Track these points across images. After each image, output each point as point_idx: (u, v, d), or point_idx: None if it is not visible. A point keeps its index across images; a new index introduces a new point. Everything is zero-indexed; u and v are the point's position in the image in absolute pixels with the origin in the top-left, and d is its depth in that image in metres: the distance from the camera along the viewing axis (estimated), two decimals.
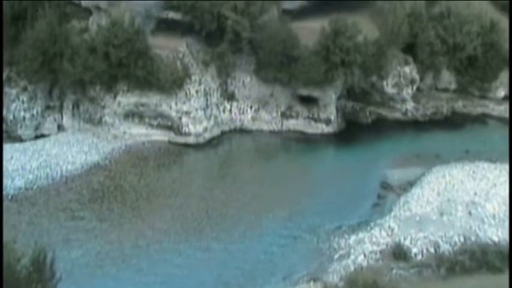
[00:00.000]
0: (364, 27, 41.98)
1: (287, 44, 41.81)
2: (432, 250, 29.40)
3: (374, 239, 30.27)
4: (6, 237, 18.96)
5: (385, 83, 43.52)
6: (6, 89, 39.27)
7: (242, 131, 42.30)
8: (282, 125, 43.04)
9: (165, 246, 30.31)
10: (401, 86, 43.64)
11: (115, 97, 40.34)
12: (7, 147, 36.92)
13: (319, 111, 42.90)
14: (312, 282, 27.35)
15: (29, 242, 19.26)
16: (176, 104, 40.75)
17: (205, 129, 41.23)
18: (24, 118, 39.53)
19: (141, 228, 31.29)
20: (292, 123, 43.06)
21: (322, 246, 30.28)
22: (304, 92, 42.73)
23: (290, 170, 37.90)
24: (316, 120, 42.91)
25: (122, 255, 29.12)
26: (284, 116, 43.17)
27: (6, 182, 33.69)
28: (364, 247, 29.63)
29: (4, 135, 38.44)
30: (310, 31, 41.93)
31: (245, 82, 43.32)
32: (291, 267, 28.87)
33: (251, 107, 43.22)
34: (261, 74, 42.87)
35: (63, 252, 19.52)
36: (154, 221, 31.98)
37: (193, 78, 41.56)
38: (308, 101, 42.97)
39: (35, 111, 39.86)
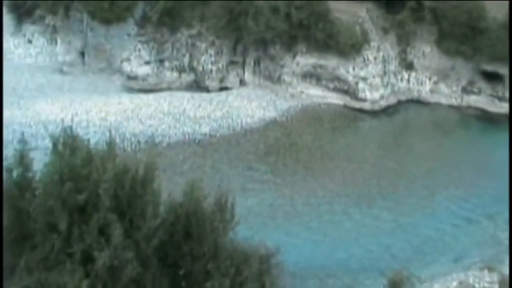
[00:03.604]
0: None
1: (472, 15, 39.64)
2: None
3: None
4: (194, 176, 19.85)
5: None
6: (197, 43, 41.52)
7: (419, 102, 41.18)
8: (461, 100, 41.21)
9: (335, 208, 30.42)
10: None
11: (294, 57, 40.91)
12: (196, 95, 39.28)
13: (505, 90, 40.34)
14: (486, 271, 25.71)
15: (211, 184, 19.83)
16: (353, 68, 40.51)
17: (382, 97, 40.62)
18: (211, 70, 41.54)
19: (313, 187, 31.66)
20: (473, 99, 41.03)
21: (500, 235, 28.52)
22: (488, 67, 40.47)
23: (468, 149, 36.08)
24: (501, 98, 40.47)
25: (293, 211, 29.71)
26: (465, 91, 41.27)
27: (195, 127, 35.96)
28: None
29: (194, 85, 41.09)
30: (499, 3, 39.30)
31: (425, 52, 41.91)
32: (463, 251, 27.73)
33: (430, 79, 41.78)
34: (442, 45, 41.28)
35: (240, 199, 19.94)
36: (326, 182, 32.15)
37: (372, 44, 40.98)
38: (492, 78, 40.65)
39: (220, 65, 41.69)
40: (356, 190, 31.78)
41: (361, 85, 40.22)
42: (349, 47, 40.14)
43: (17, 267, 13.64)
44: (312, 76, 40.93)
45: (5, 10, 43.10)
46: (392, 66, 41.66)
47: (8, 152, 15.24)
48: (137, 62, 41.47)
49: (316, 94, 40.71)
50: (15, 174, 14.45)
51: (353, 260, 26.90)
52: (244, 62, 42.12)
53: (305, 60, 40.72)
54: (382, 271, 24.75)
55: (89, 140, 16.26)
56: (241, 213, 17.90)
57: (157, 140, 34.82)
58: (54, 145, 15.36)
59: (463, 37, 40.43)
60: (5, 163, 14.45)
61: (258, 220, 27.96)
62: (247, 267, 16.18)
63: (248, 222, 25.18)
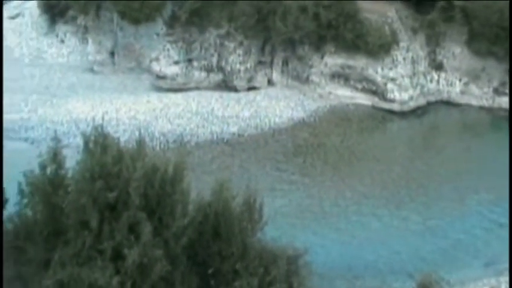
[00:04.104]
0: None
1: (504, 15, 39.06)
2: None
3: None
4: (222, 175, 19.91)
5: None
6: (225, 43, 41.56)
7: (449, 103, 40.61)
8: (493, 102, 40.62)
9: (363, 209, 30.24)
10: None
11: (322, 57, 40.76)
12: (224, 95, 39.31)
13: None
14: None
15: (239, 183, 19.88)
16: (382, 69, 40.20)
17: (411, 98, 40.23)
18: (239, 70, 41.48)
19: (341, 188, 31.53)
20: (504, 101, 40.40)
21: None
22: None
23: (500, 152, 35.38)
24: None
25: (322, 212, 29.63)
26: (496, 92, 40.67)
27: (223, 127, 36.07)
28: None
29: (222, 84, 41.10)
30: None
31: (455, 53, 41.40)
32: (494, 255, 27.28)
33: (460, 80, 41.27)
34: (473, 45, 40.67)
35: (268, 199, 20.02)
36: (354, 183, 31.98)
37: (401, 44, 40.63)
38: None
39: (248, 65, 41.64)
40: (384, 191, 31.52)
41: (389, 86, 39.90)
42: (378, 47, 39.81)
43: (51, 261, 13.87)
44: (340, 76, 40.72)
45: (38, 11, 43.83)
46: (422, 67, 41.26)
47: (42, 149, 15.52)
48: (166, 61, 41.72)
49: (344, 95, 40.48)
50: (48, 171, 14.70)
51: (381, 261, 26.70)
52: (272, 62, 42.04)
53: (333, 61, 40.53)
54: (410, 274, 24.51)
55: (119, 139, 16.44)
56: (269, 214, 17.96)
57: (185, 139, 35.11)
58: (86, 143, 15.61)
59: (494, 37, 39.80)
60: (39, 160, 14.73)
61: (286, 220, 27.93)
62: (276, 268, 16.25)
63: (276, 223, 25.27)
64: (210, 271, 15.77)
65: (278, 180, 31.54)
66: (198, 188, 17.30)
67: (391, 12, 41.13)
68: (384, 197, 31.10)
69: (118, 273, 13.85)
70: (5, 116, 36.08)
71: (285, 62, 41.73)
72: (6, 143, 18.39)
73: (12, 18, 44.91)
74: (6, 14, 45.24)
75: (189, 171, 16.71)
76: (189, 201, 16.34)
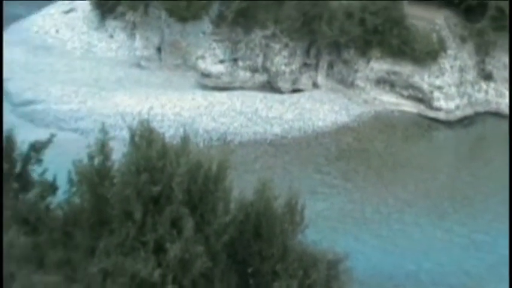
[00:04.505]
0: None
1: None
2: None
3: None
4: (264, 175, 19.82)
5: None
6: (271, 44, 41.54)
7: (498, 114, 39.62)
8: None
9: (406, 217, 29.77)
10: None
11: (368, 62, 40.33)
12: (268, 96, 39.38)
13: None
14: None
15: (281, 184, 19.73)
16: (429, 76, 39.55)
17: (457, 107, 39.45)
18: (284, 72, 41.34)
19: (383, 194, 31.11)
20: None
21: None
22: None
23: None
24: None
25: (363, 218, 29.31)
26: None
27: (266, 127, 36.12)
28: None
29: (266, 85, 41.12)
30: None
31: (505, 63, 40.44)
32: None
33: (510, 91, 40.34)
34: None
35: (310, 201, 19.80)
36: (397, 190, 31.55)
37: (448, 52, 39.94)
38: None
39: (293, 67, 41.45)
40: (428, 201, 30.96)
41: (436, 94, 39.22)
42: (425, 54, 39.22)
43: (96, 249, 14.17)
44: (385, 82, 40.21)
45: (89, 7, 44.76)
46: (470, 76, 40.47)
47: (90, 140, 15.74)
48: (211, 60, 41.89)
49: (389, 101, 39.91)
50: (96, 161, 14.94)
51: (423, 272, 26.21)
52: (317, 65, 41.76)
53: (379, 66, 40.06)
54: (453, 287, 24.02)
55: (163, 134, 16.53)
56: (310, 216, 17.78)
57: (229, 138, 35.25)
58: (132, 137, 15.77)
59: None
60: (87, 150, 14.98)
61: (327, 224, 27.68)
62: (316, 271, 16.07)
63: (317, 226, 24.99)
64: (249, 270, 15.72)
65: (320, 184, 31.36)
66: (240, 186, 17.25)
67: (440, 20, 40.47)
68: (427, 206, 30.56)
69: (160, 266, 13.98)
70: (57, 107, 37.43)
71: (330, 65, 41.41)
72: (57, 133, 19.02)
73: (66, 12, 45.90)
74: (60, 8, 46.25)
75: (231, 170, 16.68)
76: (231, 200, 16.33)
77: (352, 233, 27.98)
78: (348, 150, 34.94)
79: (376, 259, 26.47)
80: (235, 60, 41.97)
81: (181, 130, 25.67)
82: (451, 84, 39.48)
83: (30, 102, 38.03)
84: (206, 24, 42.18)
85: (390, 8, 39.11)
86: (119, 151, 15.63)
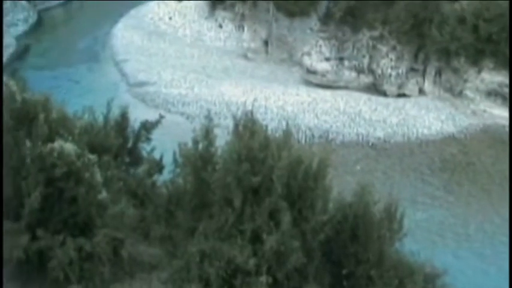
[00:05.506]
0: None
1: None
2: None
3: None
4: (365, 178, 19.34)
5: None
6: (378, 45, 40.92)
7: None
8: None
9: None
10: None
11: (479, 72, 38.67)
12: (373, 98, 38.73)
13: None
14: None
15: (381, 189, 19.23)
16: None
17: None
18: (390, 75, 40.62)
19: (489, 212, 29.78)
20: None
21: None
22: None
23: None
24: None
25: (465, 234, 28.16)
26: None
27: (369, 130, 35.60)
28: None
29: (371, 87, 40.59)
30: None
31: None
32: None
33: None
34: None
35: (409, 210, 19.10)
36: (505, 210, 29.69)
37: None
38: None
39: (400, 71, 40.62)
40: None
41: None
42: None
43: (196, 231, 14.48)
44: (497, 95, 38.34)
45: None
46: None
47: (196, 125, 16.02)
48: (317, 57, 41.63)
49: (500, 115, 37.95)
50: (200, 146, 15.19)
51: None
52: (424, 71, 40.55)
53: (491, 77, 38.26)
54: None
55: (266, 126, 16.54)
56: (409, 226, 17.17)
57: (331, 137, 35.10)
58: (236, 126, 15.89)
59: None
60: (193, 135, 15.27)
61: (426, 236, 26.84)
62: (411, 283, 15.51)
63: (415, 236, 24.18)
64: (344, 272, 15.40)
65: (421, 193, 30.42)
66: (340, 187, 16.92)
67: None
68: None
69: (255, 256, 14.01)
70: (167, 90, 38.75)
71: (438, 72, 40.07)
72: (166, 115, 20.36)
73: (179, 0, 47.10)
74: None
75: (332, 169, 16.39)
76: (330, 199, 16.04)
77: (452, 248, 26.97)
78: (453, 162, 33.66)
79: (477, 280, 25.38)
80: (341, 59, 41.51)
81: (283, 124, 25.61)
82: None
83: (143, 84, 39.77)
84: (314, 21, 42.00)
85: (506, 15, 37.19)
86: (222, 138, 15.78)
